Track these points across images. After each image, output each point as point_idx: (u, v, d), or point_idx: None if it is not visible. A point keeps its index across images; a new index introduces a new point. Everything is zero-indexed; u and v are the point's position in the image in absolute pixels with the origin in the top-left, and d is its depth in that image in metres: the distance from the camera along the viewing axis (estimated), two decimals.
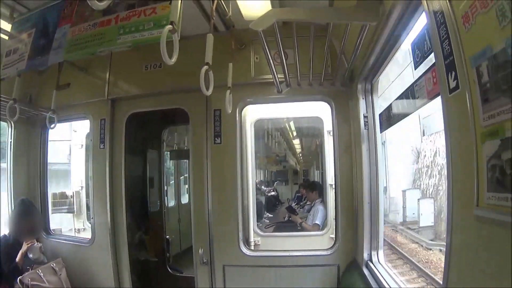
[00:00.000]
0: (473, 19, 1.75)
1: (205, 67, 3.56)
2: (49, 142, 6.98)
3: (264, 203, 12.15)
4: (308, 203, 9.43)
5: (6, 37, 4.91)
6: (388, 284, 3.92)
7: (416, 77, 3.21)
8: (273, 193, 14.55)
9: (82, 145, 7.83)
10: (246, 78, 5.52)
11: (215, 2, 3.91)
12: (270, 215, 11.44)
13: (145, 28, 3.59)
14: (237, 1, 4.66)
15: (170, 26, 2.99)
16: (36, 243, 5.66)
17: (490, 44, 1.64)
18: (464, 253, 2.03)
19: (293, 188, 15.16)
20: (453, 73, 1.96)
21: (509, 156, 1.55)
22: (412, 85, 3.30)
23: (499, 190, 1.64)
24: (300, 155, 15.74)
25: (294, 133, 12.79)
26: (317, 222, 7.38)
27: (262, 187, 13.69)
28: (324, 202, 7.71)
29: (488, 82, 1.68)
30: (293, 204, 11.57)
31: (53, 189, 7.24)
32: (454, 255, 2.13)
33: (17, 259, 5.46)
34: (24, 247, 5.53)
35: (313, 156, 14.43)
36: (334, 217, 5.77)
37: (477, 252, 1.88)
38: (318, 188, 8.30)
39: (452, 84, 1.98)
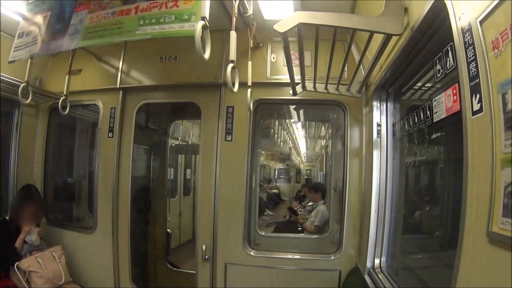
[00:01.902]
0: (503, 46, 1.74)
1: (231, 64, 3.59)
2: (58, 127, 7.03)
3: (266, 200, 12.17)
4: (309, 204, 9.45)
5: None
6: None
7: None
8: (275, 190, 14.58)
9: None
10: (261, 77, 5.52)
11: (238, 0, 3.92)
12: (270, 213, 11.45)
13: (166, 21, 3.55)
14: (259, 0, 4.67)
15: (202, 21, 3.00)
16: (35, 227, 5.68)
17: None
18: (473, 275, 2.03)
19: (295, 187, 15.17)
20: (478, 95, 1.96)
21: None
22: (431, 99, 3.31)
23: None
24: (305, 155, 15.73)
25: (301, 133, 12.78)
26: (318, 224, 7.39)
27: (265, 184, 13.71)
28: (326, 204, 7.73)
29: None
30: (296, 203, 11.59)
31: (57, 175, 7.25)
32: (462, 278, 2.13)
33: (16, 244, 5.47)
34: (24, 232, 5.55)
35: (317, 157, 14.43)
36: (337, 222, 5.79)
37: (487, 275, 1.88)
38: (321, 190, 8.30)
39: (476, 106, 1.98)
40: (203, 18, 3.03)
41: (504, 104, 1.74)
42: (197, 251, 5.67)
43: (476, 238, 1.99)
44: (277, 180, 15.94)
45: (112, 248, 5.97)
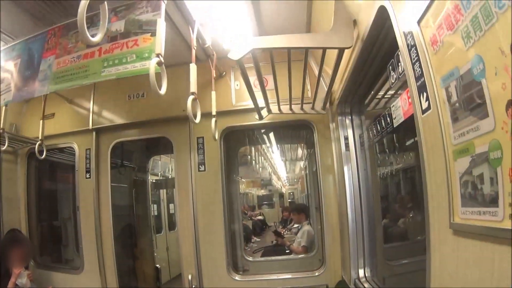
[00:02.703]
0: (440, 41, 1.81)
1: (191, 96, 3.68)
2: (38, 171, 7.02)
3: (252, 228, 12.15)
4: (295, 226, 9.45)
5: None
6: None
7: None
8: (260, 217, 14.53)
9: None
10: (227, 105, 5.61)
11: (195, 32, 3.98)
12: (258, 239, 11.41)
13: (128, 61, 3.63)
14: (216, 30, 4.74)
15: (157, 58, 3.06)
16: (24, 270, 5.64)
17: (457, 65, 1.69)
18: (444, 268, 2.06)
19: (279, 212, 15.15)
20: (425, 94, 2.02)
21: (480, 172, 1.60)
22: (389, 106, 3.38)
23: (472, 204, 1.70)
24: (285, 178, 15.74)
25: (278, 156, 12.81)
26: (305, 244, 7.39)
27: (249, 211, 13.70)
28: (310, 224, 7.75)
29: (457, 102, 1.73)
30: (280, 228, 11.57)
31: (41, 218, 7.21)
32: (434, 271, 2.17)
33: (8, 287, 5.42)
34: (14, 275, 5.50)
35: (298, 179, 14.45)
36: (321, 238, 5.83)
37: (456, 266, 1.91)
38: (304, 210, 8.32)
39: (424, 104, 2.04)
40: (157, 55, 3.09)
41: (449, 97, 1.79)
42: (183, 282, 5.69)
43: (441, 231, 2.02)
44: (261, 207, 15.90)
45: (101, 287, 5.95)
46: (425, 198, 2.17)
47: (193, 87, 3.75)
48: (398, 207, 4.77)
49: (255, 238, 11.44)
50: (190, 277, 5.60)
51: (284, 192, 16.03)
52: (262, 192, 15.91)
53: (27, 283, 5.62)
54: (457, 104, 1.74)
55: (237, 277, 5.59)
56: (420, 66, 2.06)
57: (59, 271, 6.43)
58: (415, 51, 2.11)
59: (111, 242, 6.00)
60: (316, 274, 5.42)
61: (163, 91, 3.13)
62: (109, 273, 5.98)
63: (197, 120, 3.87)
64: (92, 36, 2.50)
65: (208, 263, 5.61)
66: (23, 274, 5.59)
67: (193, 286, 5.58)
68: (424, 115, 2.07)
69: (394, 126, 3.26)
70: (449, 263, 1.99)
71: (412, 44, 2.14)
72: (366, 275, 4.67)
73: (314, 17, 4.78)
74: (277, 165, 14.11)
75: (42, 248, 7.14)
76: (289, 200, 15.39)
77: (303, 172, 12.29)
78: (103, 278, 5.96)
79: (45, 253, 7.15)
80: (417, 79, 2.12)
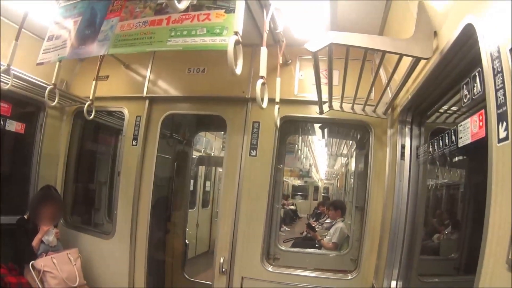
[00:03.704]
0: None
1: (261, 80, 3.61)
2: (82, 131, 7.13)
3: (282, 216, 12.14)
4: (327, 221, 9.42)
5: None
6: None
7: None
8: (292, 207, 14.53)
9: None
10: (289, 94, 5.53)
11: (269, 15, 3.94)
12: (287, 229, 11.42)
13: (197, 34, 3.62)
14: (290, 18, 4.70)
15: (235, 36, 3.02)
16: (52, 228, 5.72)
17: None
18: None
19: (312, 204, 15.10)
20: (504, 123, 1.96)
21: None
22: (455, 123, 3.30)
23: None
24: (324, 172, 15.66)
25: (323, 150, 12.74)
26: (336, 241, 7.37)
27: (282, 199, 13.72)
28: (345, 222, 7.71)
29: None
30: (312, 220, 11.55)
31: (78, 179, 7.34)
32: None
33: (33, 243, 5.51)
34: (41, 231, 5.59)
35: (336, 175, 14.36)
36: (358, 240, 5.77)
37: None
38: (341, 207, 8.30)
39: (502, 134, 1.97)
40: (236, 33, 3.07)
41: None
42: (214, 263, 5.66)
43: (496, 265, 1.97)
44: (295, 197, 15.88)
45: (129, 255, 5.99)
46: (484, 229, 2.10)
47: (263, 71, 3.69)
48: (440, 224, 4.69)
49: (284, 227, 11.44)
50: (222, 260, 5.59)
51: (320, 185, 15.97)
52: (298, 182, 15.87)
53: (54, 241, 5.72)
54: None
55: (270, 268, 5.55)
56: (504, 94, 1.98)
57: (88, 233, 6.53)
58: (501, 78, 2.03)
59: (148, 212, 6.05)
60: (349, 277, 5.35)
61: (238, 71, 3.09)
62: (139, 242, 6.03)
63: (264, 105, 3.78)
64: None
65: (243, 249, 5.58)
66: (51, 231, 5.69)
67: (223, 269, 5.57)
68: (500, 144, 2.00)
69: (458, 146, 3.19)
70: None
71: (499, 70, 2.06)
72: (398, 287, 4.61)
73: (390, 19, 4.69)
74: (320, 159, 14.02)
75: (74, 209, 7.26)
76: (323, 195, 15.34)
77: (343, 169, 12.21)
78: (133, 246, 6.01)
79: (77, 213, 7.27)
80: (498, 106, 2.04)
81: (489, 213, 2.09)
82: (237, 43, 3.03)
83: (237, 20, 3.20)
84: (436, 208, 5.57)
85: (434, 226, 5.38)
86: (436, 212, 5.54)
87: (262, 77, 3.66)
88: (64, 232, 6.29)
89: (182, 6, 2.54)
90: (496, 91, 2.08)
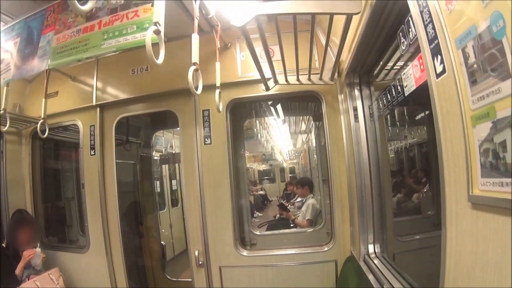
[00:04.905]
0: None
1: (193, 67, 3.54)
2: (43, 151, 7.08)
3: (253, 203, 12.18)
4: (298, 200, 9.43)
5: None
6: (386, 277, 3.87)
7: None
8: (261, 192, 14.59)
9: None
10: (233, 76, 5.50)
11: (198, 2, 3.87)
12: (260, 214, 11.44)
13: (129, 32, 3.61)
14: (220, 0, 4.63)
15: (155, 26, 2.96)
16: (38, 250, 5.65)
17: (474, 23, 1.59)
18: (461, 244, 1.96)
19: (280, 186, 15.20)
20: (439, 57, 1.91)
21: (502, 138, 1.50)
22: (400, 74, 3.27)
23: (493, 175, 1.59)
24: (286, 152, 15.76)
25: (281, 130, 12.77)
26: (309, 217, 7.37)
27: (250, 186, 13.74)
28: (315, 197, 7.72)
29: (475, 63, 1.63)
30: (284, 201, 11.58)
31: (47, 198, 7.23)
32: (451, 248, 2.07)
33: (16, 271, 5.42)
34: (23, 259, 5.49)
35: (299, 153, 14.46)
36: (329, 213, 5.76)
37: (475, 243, 1.81)
38: (308, 184, 8.30)
39: (439, 68, 1.94)
40: (155, 23, 3.00)
41: (465, 59, 1.69)
42: (190, 258, 5.67)
43: (459, 204, 1.93)
44: (262, 182, 15.97)
45: (107, 265, 5.96)
46: (440, 169, 2.06)
47: (195, 57, 3.63)
48: (407, 181, 4.69)
49: (257, 213, 11.47)
50: (197, 253, 5.57)
51: (285, 166, 16.09)
52: (263, 167, 15.98)
53: (40, 264, 5.69)
54: (475, 66, 1.64)
55: (245, 253, 5.54)
56: (434, 28, 1.95)
57: (65, 250, 6.44)
58: (427, 12, 2.01)
59: (117, 220, 5.99)
60: (326, 249, 5.35)
61: (160, 60, 3.04)
62: (115, 251, 5.99)
63: (199, 91, 3.74)
64: (82, 5, 2.43)
65: (215, 238, 5.57)
66: (38, 255, 5.64)
67: (200, 262, 5.55)
68: (439, 79, 1.96)
69: (405, 95, 3.15)
70: (467, 239, 1.89)
71: (424, 5, 2.04)
72: (376, 251, 4.58)
73: None
74: (280, 140, 14.10)
75: (48, 229, 7.19)
76: (290, 175, 15.45)
77: (305, 146, 12.29)
78: (109, 256, 5.97)
79: (51, 233, 7.20)
80: (430, 41, 2.01)
81: (441, 153, 2.05)
82: (156, 33, 2.99)
83: (157, 10, 3.12)
84: (411, 168, 5.58)
85: (412, 185, 5.40)
86: (412, 172, 5.56)
87: (194, 64, 3.59)
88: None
89: (86, 7, 2.47)
90: (425, 26, 2.05)
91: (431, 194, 5.18)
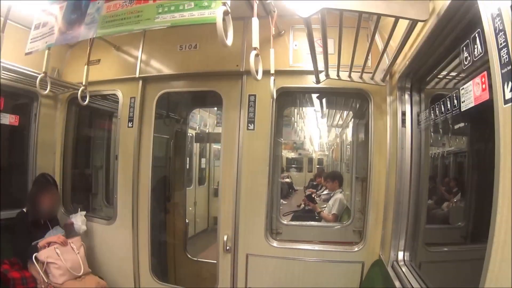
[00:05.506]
0: None
1: (254, 51, 3.54)
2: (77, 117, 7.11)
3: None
4: (325, 193, 9.41)
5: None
6: (413, 286, 3.84)
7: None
8: (287, 180, 14.58)
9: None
10: (284, 65, 5.44)
11: None
12: (284, 202, 11.46)
13: (185, 8, 3.52)
14: None
15: (224, 7, 2.96)
16: (80, 213, 5.92)
17: None
18: (503, 273, 1.92)
19: (306, 176, 15.17)
20: (510, 83, 1.87)
21: None
22: (457, 88, 3.22)
23: None
24: (318, 144, 15.71)
25: (317, 122, 12.72)
26: (335, 212, 7.35)
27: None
28: (343, 193, 7.70)
29: None
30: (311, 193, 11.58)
31: (76, 166, 7.33)
32: (492, 276, 2.03)
33: (40, 243, 5.43)
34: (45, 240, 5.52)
35: (330, 146, 14.41)
36: (359, 210, 5.84)
37: None
38: (338, 178, 8.27)
39: (508, 94, 1.89)
40: (224, 4, 2.98)
41: None
42: (218, 242, 5.64)
43: (508, 233, 1.90)
44: (289, 170, 15.95)
45: (132, 239, 5.98)
46: (494, 196, 2.02)
47: (256, 42, 3.61)
48: (439, 188, 4.64)
49: (281, 200, 11.50)
50: (225, 238, 5.57)
51: (314, 157, 16.05)
52: (292, 155, 15.95)
53: (84, 227, 5.89)
54: None
55: (275, 244, 5.54)
56: (508, 53, 1.90)
57: (89, 220, 6.44)
58: (503, 36, 1.95)
59: (148, 194, 6.01)
60: (355, 249, 5.32)
61: (229, 42, 3.03)
62: (142, 226, 6.02)
63: (259, 76, 3.74)
64: None
65: (246, 225, 5.55)
66: (79, 217, 5.72)
67: (228, 248, 5.55)
68: (506, 105, 1.92)
69: (461, 110, 3.10)
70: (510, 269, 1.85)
71: (500, 28, 1.98)
72: (405, 258, 4.55)
73: None
74: (314, 131, 14.04)
75: (73, 195, 7.20)
76: (317, 166, 15.41)
77: (338, 140, 12.22)
78: (135, 231, 6.01)
79: (75, 200, 7.20)
80: (502, 66, 1.95)
81: (498, 179, 2.01)
82: (225, 13, 2.97)
83: None
84: (444, 176, 5.51)
85: (443, 194, 5.34)
86: (444, 180, 5.50)
87: (255, 49, 3.58)
88: (65, 220, 6.28)
89: None
90: (499, 50, 1.99)
91: (462, 205, 5.12)
